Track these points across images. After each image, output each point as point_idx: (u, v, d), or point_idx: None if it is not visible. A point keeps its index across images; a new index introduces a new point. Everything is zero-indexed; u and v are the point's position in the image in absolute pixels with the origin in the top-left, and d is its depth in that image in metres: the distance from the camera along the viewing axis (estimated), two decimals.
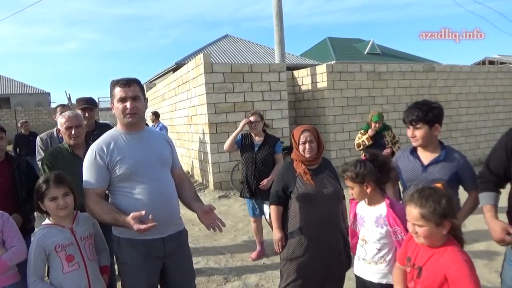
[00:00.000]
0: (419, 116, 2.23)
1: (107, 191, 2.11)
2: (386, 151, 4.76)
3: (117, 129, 2.16)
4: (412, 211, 1.58)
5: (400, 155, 2.45)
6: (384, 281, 2.14)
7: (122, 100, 2.04)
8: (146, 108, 2.19)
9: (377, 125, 5.03)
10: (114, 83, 2.09)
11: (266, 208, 4.06)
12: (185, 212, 2.35)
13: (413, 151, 2.37)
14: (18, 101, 31.58)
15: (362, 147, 5.10)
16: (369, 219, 2.18)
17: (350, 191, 2.18)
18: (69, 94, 31.47)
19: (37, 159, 3.37)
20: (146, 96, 2.22)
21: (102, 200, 2.04)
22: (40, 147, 3.37)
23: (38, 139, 3.45)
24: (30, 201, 2.73)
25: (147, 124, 8.57)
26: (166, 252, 2.11)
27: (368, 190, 2.10)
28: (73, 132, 2.68)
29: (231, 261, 4.17)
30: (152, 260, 2.08)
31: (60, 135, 2.79)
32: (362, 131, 5.20)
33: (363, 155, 2.23)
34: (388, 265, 2.13)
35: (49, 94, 35.71)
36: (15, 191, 2.66)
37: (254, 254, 4.20)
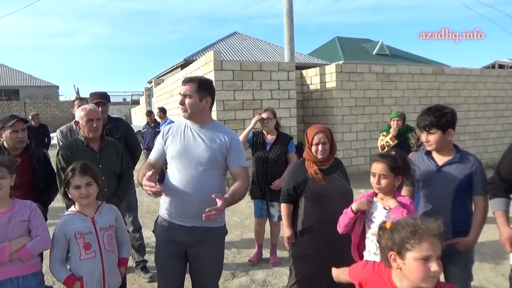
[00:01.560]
0: (432, 121, 2.26)
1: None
2: (412, 155, 4.49)
3: (186, 119, 2.34)
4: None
5: (416, 156, 2.47)
6: None
7: (181, 95, 2.25)
8: (207, 105, 2.28)
9: (396, 123, 4.69)
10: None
11: (272, 210, 3.97)
12: None
13: (428, 152, 2.39)
14: (27, 94, 31.88)
15: (386, 148, 4.69)
16: (379, 213, 2.17)
17: (380, 180, 2.09)
18: (77, 88, 31.63)
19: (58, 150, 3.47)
20: (208, 94, 2.27)
21: (150, 167, 2.25)
22: (60, 139, 3.46)
23: (58, 132, 3.54)
24: (47, 192, 2.81)
25: (155, 121, 8.63)
26: (188, 241, 2.22)
27: (397, 184, 2.11)
28: (94, 125, 2.73)
29: (238, 257, 4.21)
30: (172, 243, 2.25)
31: (78, 128, 2.84)
32: (384, 132, 4.87)
33: (392, 151, 2.21)
34: None
35: (57, 87, 35.99)
36: (35, 182, 2.73)
37: (253, 258, 4.08)
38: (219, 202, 1.93)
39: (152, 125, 8.50)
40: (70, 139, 3.05)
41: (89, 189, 2.11)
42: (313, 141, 2.56)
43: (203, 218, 1.88)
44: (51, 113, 26.29)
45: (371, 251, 2.25)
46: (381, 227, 1.48)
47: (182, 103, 2.23)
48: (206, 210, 1.89)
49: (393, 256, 1.36)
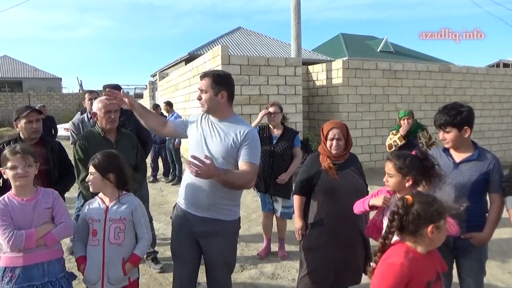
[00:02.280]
0: (447, 120, 2.28)
1: None
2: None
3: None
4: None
5: (433, 153, 2.49)
6: None
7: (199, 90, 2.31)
8: (223, 99, 2.26)
9: (405, 122, 4.59)
10: None
11: (276, 205, 4.00)
12: None
13: (446, 149, 2.41)
14: (30, 85, 31.90)
15: (394, 148, 4.62)
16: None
17: (388, 178, 2.14)
18: (80, 80, 31.73)
19: (70, 142, 3.50)
20: (223, 88, 2.25)
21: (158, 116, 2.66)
22: (73, 131, 3.51)
23: (70, 124, 3.60)
24: (61, 181, 2.84)
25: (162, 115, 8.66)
26: (199, 232, 2.28)
27: (407, 184, 2.10)
28: (112, 116, 2.77)
29: (246, 250, 4.26)
30: (185, 231, 2.34)
31: (95, 119, 2.87)
32: (393, 131, 4.78)
33: (413, 151, 2.20)
34: None
35: (60, 79, 36.00)
36: (49, 172, 2.77)
37: (262, 252, 4.11)
38: (207, 160, 1.95)
39: None
40: (87, 130, 3.09)
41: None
42: (328, 136, 2.59)
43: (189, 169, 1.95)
44: (54, 105, 26.29)
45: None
46: (404, 202, 1.55)
47: (199, 98, 2.29)
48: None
49: (431, 229, 1.49)
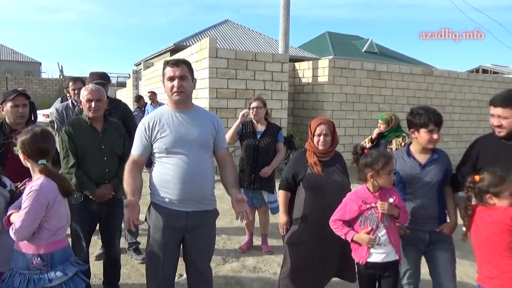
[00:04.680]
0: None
1: (152, 159, 2.33)
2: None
3: (167, 107, 2.33)
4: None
5: (396, 156, 2.55)
6: (396, 257, 2.35)
7: (171, 79, 2.20)
8: (194, 88, 2.33)
9: (378, 126, 4.60)
10: (165, 63, 2.24)
11: (266, 196, 4.02)
12: None
13: (409, 153, 2.51)
14: (8, 68, 30.92)
15: (360, 146, 4.71)
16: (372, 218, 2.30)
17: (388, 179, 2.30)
18: (61, 66, 30.91)
19: (55, 130, 3.43)
20: (195, 77, 2.34)
21: (135, 169, 2.27)
22: (56, 117, 3.44)
23: (54, 110, 3.51)
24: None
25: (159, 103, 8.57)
26: (187, 226, 2.26)
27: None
28: (93, 105, 2.71)
29: (229, 243, 4.29)
30: (171, 229, 2.26)
31: (80, 107, 2.83)
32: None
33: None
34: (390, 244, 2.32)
35: (40, 63, 35.04)
36: None
37: (244, 245, 4.14)
38: (243, 201, 2.26)
39: (142, 109, 8.51)
40: (75, 118, 3.03)
41: None
42: (316, 132, 2.63)
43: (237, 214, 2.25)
44: (33, 90, 25.52)
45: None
46: (471, 180, 2.12)
47: (180, 85, 2.19)
48: (239, 212, 2.26)
49: (490, 196, 2.02)
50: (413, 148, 2.54)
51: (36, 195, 1.92)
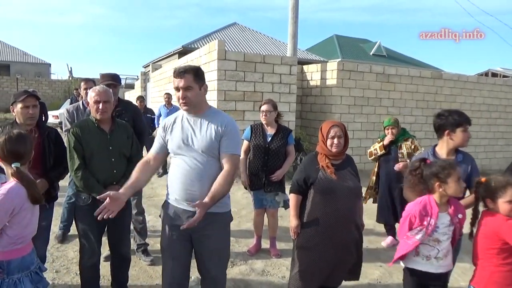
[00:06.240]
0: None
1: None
2: (398, 166, 4.11)
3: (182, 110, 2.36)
4: None
5: (425, 156, 2.55)
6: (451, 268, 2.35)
7: (176, 89, 2.25)
8: (205, 93, 2.33)
9: (390, 132, 4.43)
10: (173, 72, 2.27)
11: (278, 197, 4.00)
12: None
13: (435, 155, 2.47)
14: (18, 69, 31.23)
15: (374, 156, 4.57)
16: (442, 221, 2.24)
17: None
18: (70, 67, 31.17)
19: (63, 130, 3.45)
20: (203, 81, 2.31)
21: (144, 166, 2.39)
22: (67, 118, 3.46)
23: (65, 111, 3.53)
24: (56, 169, 2.81)
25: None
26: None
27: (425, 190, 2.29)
28: (100, 106, 2.70)
29: (237, 246, 4.26)
30: (177, 227, 2.27)
31: (88, 108, 2.84)
32: (379, 139, 4.66)
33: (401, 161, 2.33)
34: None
35: (49, 65, 35.37)
36: (43, 159, 2.73)
37: (252, 248, 4.11)
38: (197, 211, 2.06)
39: (142, 111, 8.61)
40: (83, 119, 3.05)
41: None
42: (329, 135, 2.61)
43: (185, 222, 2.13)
44: (42, 91, 25.73)
45: (431, 256, 2.26)
46: (478, 181, 2.14)
47: (184, 97, 2.20)
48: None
49: (489, 200, 2.08)
50: (440, 150, 2.51)
51: (1, 200, 1.87)
